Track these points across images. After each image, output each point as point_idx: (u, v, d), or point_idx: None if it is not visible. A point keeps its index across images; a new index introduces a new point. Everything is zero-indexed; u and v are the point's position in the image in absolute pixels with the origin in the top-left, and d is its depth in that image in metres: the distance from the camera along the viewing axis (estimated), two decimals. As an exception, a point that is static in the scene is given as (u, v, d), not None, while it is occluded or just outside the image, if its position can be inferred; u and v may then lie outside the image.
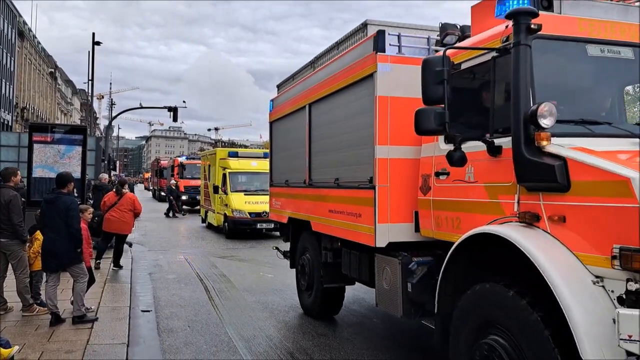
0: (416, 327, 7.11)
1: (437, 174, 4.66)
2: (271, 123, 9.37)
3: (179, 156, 41.19)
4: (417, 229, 5.07)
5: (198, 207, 26.04)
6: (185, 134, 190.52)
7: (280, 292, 9.31)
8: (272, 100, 9.42)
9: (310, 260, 7.44)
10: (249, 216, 17.04)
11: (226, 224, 17.64)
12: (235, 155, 19.46)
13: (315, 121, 7.07)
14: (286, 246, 8.82)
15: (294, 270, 8.27)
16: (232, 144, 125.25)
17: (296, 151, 7.81)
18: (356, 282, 6.78)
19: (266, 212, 17.24)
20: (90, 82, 30.53)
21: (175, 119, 29.42)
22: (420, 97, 4.05)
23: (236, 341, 6.53)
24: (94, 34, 28.59)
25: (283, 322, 7.43)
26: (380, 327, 7.21)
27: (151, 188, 53.15)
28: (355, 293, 8.58)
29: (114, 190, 11.28)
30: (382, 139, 5.16)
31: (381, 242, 5.13)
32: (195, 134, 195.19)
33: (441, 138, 4.54)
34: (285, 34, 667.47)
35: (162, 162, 43.22)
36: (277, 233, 18.08)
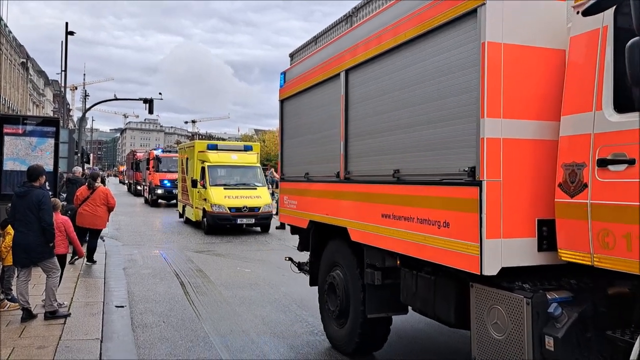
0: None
1: (604, 163, 3.11)
2: (282, 101, 7.69)
3: (154, 149, 40.48)
4: (540, 248, 3.57)
5: (174, 201, 25.72)
6: (161, 126, 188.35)
7: (257, 287, 9.29)
8: (283, 73, 7.70)
9: (344, 279, 5.76)
10: (228, 211, 16.85)
11: (205, 219, 17.41)
12: (214, 147, 19.08)
13: (357, 92, 5.42)
14: (301, 256, 7.42)
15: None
16: (209, 137, 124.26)
17: (323, 134, 6.26)
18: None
19: (247, 207, 17.17)
20: (63, 72, 29.94)
21: (150, 111, 29.09)
22: (555, 47, 3.05)
23: (212, 336, 6.50)
24: (67, 23, 28.09)
25: (260, 317, 7.41)
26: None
27: (126, 182, 52.27)
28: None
29: (86, 184, 11.11)
30: (493, 109, 3.49)
31: (491, 268, 3.46)
32: (172, 127, 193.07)
33: (608, 103, 3.11)
34: (265, 25, 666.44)
35: (138, 154, 42.39)
36: (258, 229, 18.07)
